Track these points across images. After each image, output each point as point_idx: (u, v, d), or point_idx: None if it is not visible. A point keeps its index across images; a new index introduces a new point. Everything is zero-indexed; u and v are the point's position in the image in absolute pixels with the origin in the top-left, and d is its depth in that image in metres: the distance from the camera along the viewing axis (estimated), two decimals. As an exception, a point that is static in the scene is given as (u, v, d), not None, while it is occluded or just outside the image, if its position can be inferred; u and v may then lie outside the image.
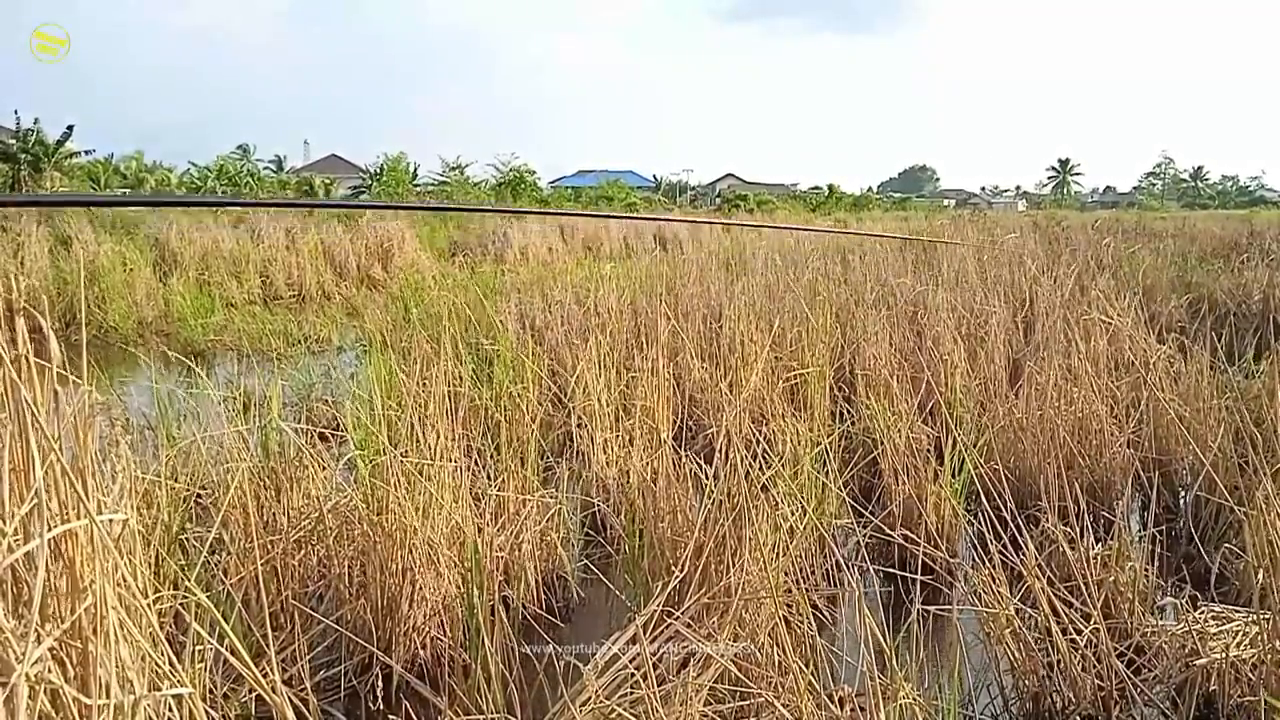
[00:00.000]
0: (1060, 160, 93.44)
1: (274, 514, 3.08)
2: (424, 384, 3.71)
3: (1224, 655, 2.51)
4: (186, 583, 2.13)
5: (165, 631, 2.15)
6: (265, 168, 54.79)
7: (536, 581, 3.23)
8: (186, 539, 2.97)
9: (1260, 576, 2.55)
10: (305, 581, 2.95)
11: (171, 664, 1.58)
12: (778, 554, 2.75)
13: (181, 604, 2.34)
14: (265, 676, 1.62)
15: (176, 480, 3.24)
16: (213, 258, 12.46)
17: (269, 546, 2.87)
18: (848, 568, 3.25)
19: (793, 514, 2.96)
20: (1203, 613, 2.76)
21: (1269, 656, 2.41)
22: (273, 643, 1.76)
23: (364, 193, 35.90)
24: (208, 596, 1.87)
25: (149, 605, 1.64)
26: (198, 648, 1.74)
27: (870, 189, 75.56)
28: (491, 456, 3.61)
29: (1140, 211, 44.24)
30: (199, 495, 3.35)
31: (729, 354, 5.40)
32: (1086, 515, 3.10)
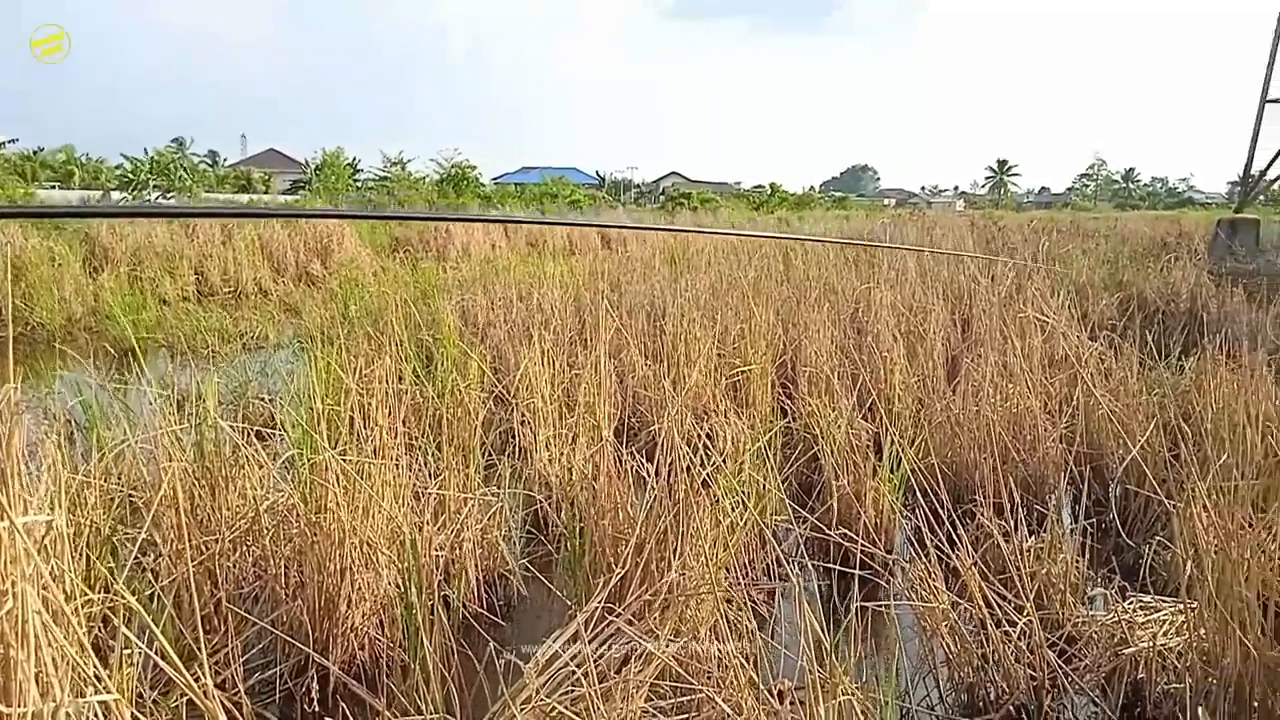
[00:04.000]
0: (998, 161, 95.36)
1: (209, 514, 3.01)
2: (364, 381, 3.66)
3: (1151, 644, 2.59)
4: (116, 585, 2.08)
5: (94, 636, 2.09)
6: (201, 161, 53.85)
7: (477, 580, 3.21)
8: (118, 540, 2.90)
9: (1187, 567, 2.62)
10: (240, 582, 2.89)
11: (98, 669, 1.54)
12: (719, 550, 2.77)
13: (110, 607, 2.29)
14: (197, 680, 1.59)
15: (108, 480, 3.15)
16: (146, 253, 12.17)
17: (203, 547, 2.81)
18: (788, 563, 3.28)
19: (734, 510, 2.97)
20: (1131, 603, 2.83)
21: (1194, 645, 2.48)
22: (206, 645, 1.72)
23: (303, 188, 35.37)
24: (139, 599, 1.83)
25: (76, 609, 1.60)
26: (126, 652, 1.70)
27: (812, 188, 76.38)
28: (433, 454, 3.58)
29: (1074, 212, 45.37)
30: (131, 495, 3.26)
31: (673, 351, 5.41)
32: (1021, 509, 3.16)
